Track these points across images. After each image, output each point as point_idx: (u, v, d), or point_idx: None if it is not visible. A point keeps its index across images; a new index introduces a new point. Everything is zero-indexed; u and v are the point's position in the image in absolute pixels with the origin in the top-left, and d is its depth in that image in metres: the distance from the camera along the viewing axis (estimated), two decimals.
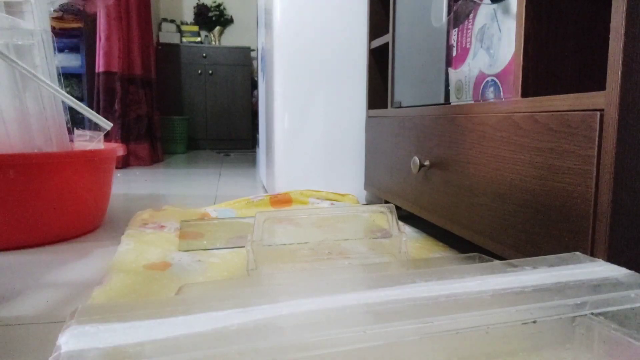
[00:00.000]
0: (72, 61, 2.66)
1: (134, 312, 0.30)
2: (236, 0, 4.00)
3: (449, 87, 0.89)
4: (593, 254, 0.50)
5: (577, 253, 0.43)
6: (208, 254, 0.85)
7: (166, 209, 1.21)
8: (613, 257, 0.48)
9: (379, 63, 1.32)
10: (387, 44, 1.21)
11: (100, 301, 0.62)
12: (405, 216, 1.22)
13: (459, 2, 0.84)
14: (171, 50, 3.60)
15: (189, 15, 3.93)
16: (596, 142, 0.49)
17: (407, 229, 1.08)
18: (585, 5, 0.63)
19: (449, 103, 0.89)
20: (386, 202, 1.28)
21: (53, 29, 2.55)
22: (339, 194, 1.37)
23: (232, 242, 0.92)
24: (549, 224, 0.57)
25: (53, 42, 1.04)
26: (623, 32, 0.46)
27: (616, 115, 0.47)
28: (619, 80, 0.46)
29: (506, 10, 0.71)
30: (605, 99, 0.48)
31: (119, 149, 1.10)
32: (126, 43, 2.38)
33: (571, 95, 0.53)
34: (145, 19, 2.49)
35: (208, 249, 0.88)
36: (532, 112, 0.59)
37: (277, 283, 0.38)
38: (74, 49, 2.66)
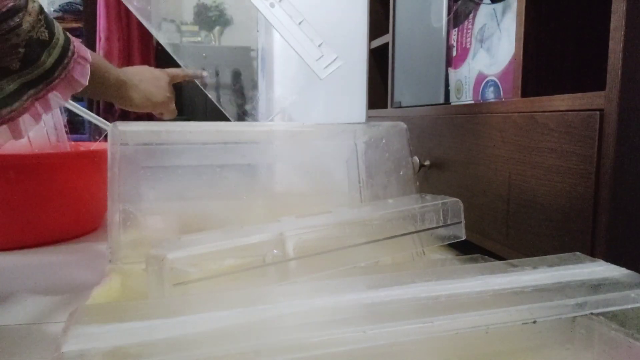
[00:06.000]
0: None
1: (134, 312, 0.30)
2: (236, 0, 4.00)
3: (449, 87, 0.89)
4: (593, 254, 0.50)
5: (577, 253, 0.43)
6: None
7: None
8: (613, 257, 0.48)
9: (379, 63, 1.32)
10: (387, 44, 1.21)
11: (100, 301, 0.62)
12: None
13: (459, 2, 0.84)
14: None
15: (188, 15, 3.93)
16: (596, 142, 0.49)
17: None
18: (585, 5, 0.63)
19: (449, 103, 0.89)
20: None
21: None
22: None
23: None
24: (549, 224, 0.56)
25: None
26: (623, 32, 0.46)
27: (616, 115, 0.47)
28: (619, 80, 0.46)
29: (506, 10, 0.71)
30: (605, 99, 0.48)
31: None
32: (126, 43, 2.38)
33: (571, 95, 0.53)
34: None
35: None
36: (532, 112, 0.59)
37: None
38: None
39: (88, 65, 0.65)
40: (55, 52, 0.60)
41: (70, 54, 0.62)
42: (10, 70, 0.55)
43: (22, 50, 0.55)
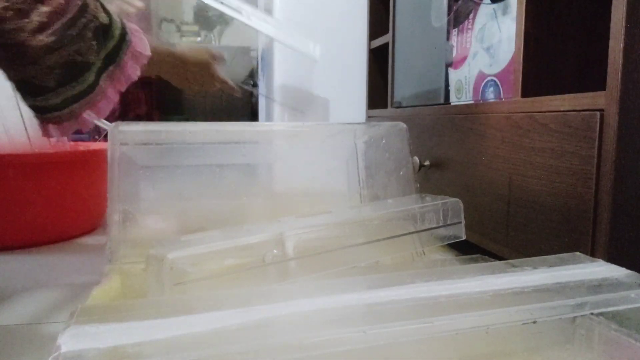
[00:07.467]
0: None
1: (134, 312, 0.30)
2: (236, 0, 3.99)
3: (449, 87, 0.89)
4: (593, 254, 0.50)
5: (577, 253, 0.43)
6: None
7: None
8: (613, 257, 0.48)
9: (379, 63, 1.32)
10: (387, 44, 1.21)
11: (100, 301, 0.62)
12: None
13: (459, 2, 0.84)
14: None
15: (189, 15, 3.93)
16: (596, 142, 0.49)
17: None
18: (585, 5, 0.63)
19: (449, 103, 0.89)
20: None
21: None
22: None
23: None
24: (549, 224, 0.56)
25: None
26: (623, 32, 0.46)
27: (616, 115, 0.47)
28: (619, 80, 0.46)
29: (506, 10, 0.71)
30: (605, 99, 0.48)
31: None
32: None
33: (571, 95, 0.53)
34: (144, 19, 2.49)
35: None
36: (532, 112, 0.59)
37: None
38: None
39: (143, 36, 0.66)
40: (117, 33, 0.62)
41: (127, 30, 0.64)
42: (91, 63, 0.59)
43: (94, 42, 0.59)
